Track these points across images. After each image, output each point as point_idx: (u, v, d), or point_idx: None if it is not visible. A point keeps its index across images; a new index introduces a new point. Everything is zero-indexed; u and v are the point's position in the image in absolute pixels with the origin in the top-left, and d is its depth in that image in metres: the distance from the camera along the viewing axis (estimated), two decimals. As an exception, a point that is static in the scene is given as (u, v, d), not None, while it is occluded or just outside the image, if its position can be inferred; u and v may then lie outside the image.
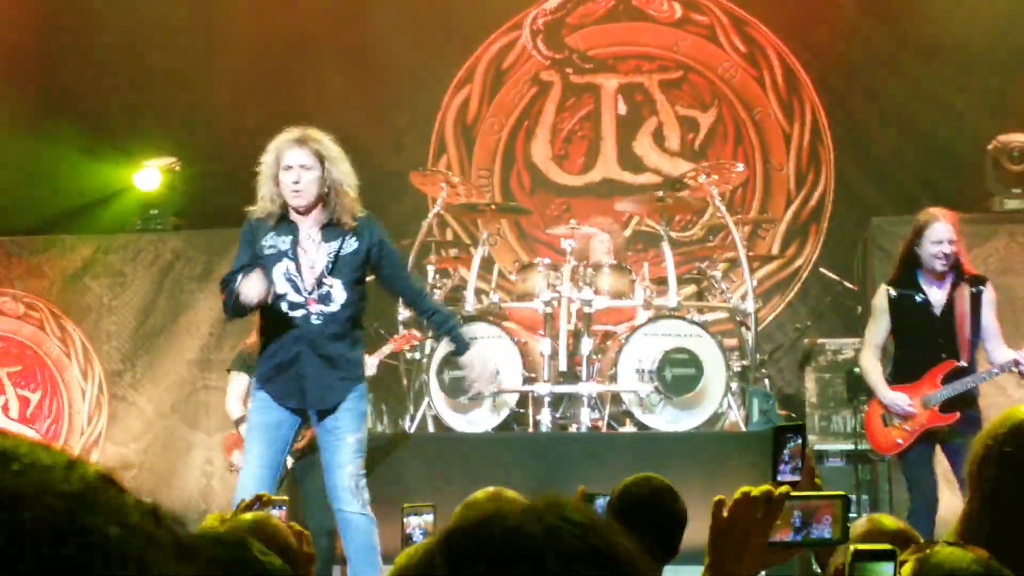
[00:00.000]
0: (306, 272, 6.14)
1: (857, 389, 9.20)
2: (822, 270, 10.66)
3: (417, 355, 9.22)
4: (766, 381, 9.49)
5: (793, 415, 9.39)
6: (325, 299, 6.15)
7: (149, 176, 10.20)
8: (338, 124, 11.48)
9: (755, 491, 2.42)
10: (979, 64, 10.84)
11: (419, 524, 3.79)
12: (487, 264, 9.60)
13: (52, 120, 11.75)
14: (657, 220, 9.35)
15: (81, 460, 0.96)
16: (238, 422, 8.09)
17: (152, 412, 9.82)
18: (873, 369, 7.32)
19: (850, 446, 9.20)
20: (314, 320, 6.14)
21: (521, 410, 8.71)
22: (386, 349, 8.48)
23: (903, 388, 7.17)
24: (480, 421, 8.65)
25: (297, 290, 6.14)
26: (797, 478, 2.64)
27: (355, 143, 11.54)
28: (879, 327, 7.32)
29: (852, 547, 2.54)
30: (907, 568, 2.51)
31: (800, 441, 2.68)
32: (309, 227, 6.18)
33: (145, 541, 0.92)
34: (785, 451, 2.69)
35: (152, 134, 11.02)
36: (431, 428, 8.86)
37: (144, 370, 9.88)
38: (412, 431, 8.89)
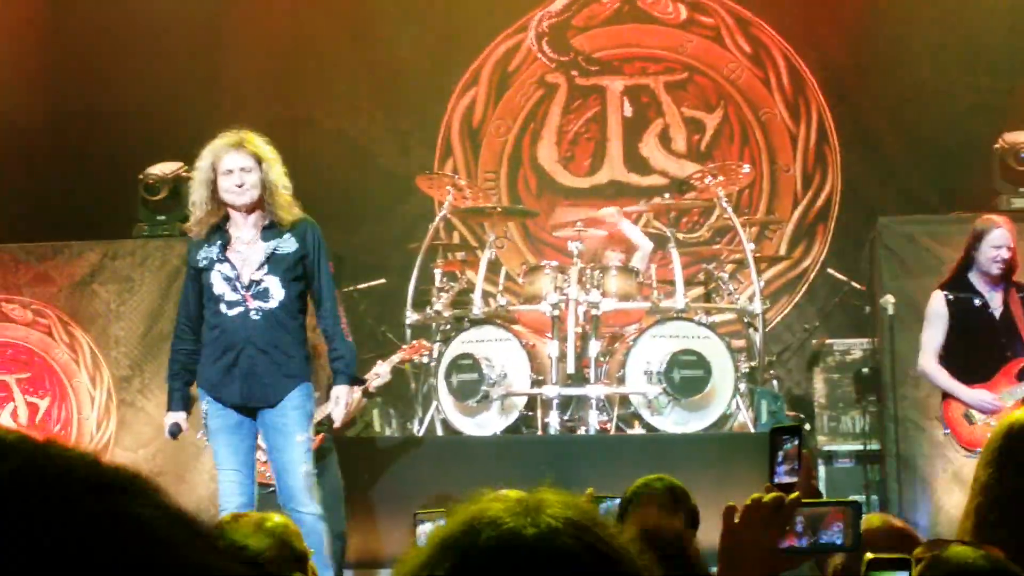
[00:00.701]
0: (241, 269, 6.18)
1: (866, 390, 9.20)
2: (829, 270, 10.65)
3: (425, 359, 9.21)
4: (774, 382, 9.48)
5: (802, 416, 9.39)
6: (262, 296, 6.19)
7: (156, 182, 10.19)
8: (344, 127, 11.60)
9: (766, 497, 2.41)
10: (986, 63, 10.84)
11: (433, 529, 3.79)
12: (494, 267, 9.60)
13: (60, 126, 11.77)
14: (664, 222, 9.34)
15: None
16: None
17: (161, 418, 9.79)
18: (940, 372, 7.46)
19: (859, 446, 9.20)
20: (253, 316, 6.19)
21: (529, 413, 8.71)
22: (396, 357, 8.46)
23: (977, 387, 7.33)
24: (489, 424, 8.65)
25: (234, 288, 6.17)
26: (795, 479, 2.64)
27: (361, 146, 11.63)
28: (937, 332, 7.46)
29: (867, 555, 2.54)
30: (920, 566, 2.51)
31: (797, 442, 2.67)
32: (246, 229, 6.22)
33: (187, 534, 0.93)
34: (782, 452, 2.69)
35: (158, 139, 11.01)
36: (439, 431, 8.85)
37: (152, 376, 9.86)
38: (421, 434, 8.89)
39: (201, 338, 6.35)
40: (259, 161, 6.19)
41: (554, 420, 8.54)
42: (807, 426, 9.34)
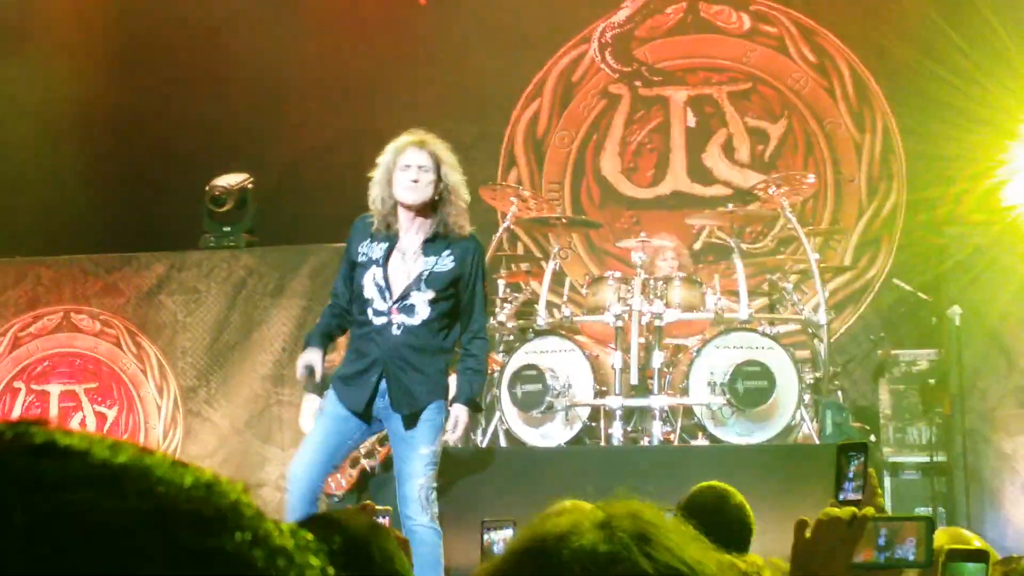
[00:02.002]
0: (395, 281, 6.19)
1: (932, 401, 9.13)
2: (895, 281, 10.58)
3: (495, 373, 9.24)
4: (839, 393, 9.42)
5: (867, 427, 9.32)
6: (408, 311, 6.18)
7: (222, 193, 10.28)
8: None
9: (840, 512, 2.41)
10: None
11: (499, 539, 3.80)
12: (558, 278, 9.61)
13: (126, 138, 11.89)
14: (728, 232, 9.32)
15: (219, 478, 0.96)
16: None
17: (227, 427, 9.90)
18: None
19: (926, 458, 9.12)
20: (395, 331, 6.18)
21: (593, 423, 8.71)
22: None
23: None
24: (552, 435, 8.66)
25: (383, 297, 6.18)
26: (860, 496, 2.63)
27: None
28: None
29: (946, 547, 2.53)
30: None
31: (863, 459, 2.67)
32: (412, 237, 6.22)
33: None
34: (849, 470, 2.69)
35: (225, 151, 11.11)
36: (503, 442, 8.87)
37: (218, 386, 9.95)
38: (484, 445, 8.91)
39: (349, 318, 6.40)
40: (438, 164, 6.21)
41: (617, 431, 8.54)
42: (872, 437, 9.28)
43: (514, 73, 11.83)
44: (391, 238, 6.23)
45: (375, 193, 6.27)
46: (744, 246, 9.68)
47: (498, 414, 8.85)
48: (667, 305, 8.75)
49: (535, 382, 8.55)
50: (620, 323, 8.71)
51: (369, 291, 6.21)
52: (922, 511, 8.82)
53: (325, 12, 11.93)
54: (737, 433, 8.42)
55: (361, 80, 11.63)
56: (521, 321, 9.28)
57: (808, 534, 2.41)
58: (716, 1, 11.56)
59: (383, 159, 6.27)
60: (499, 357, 9.05)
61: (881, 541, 2.43)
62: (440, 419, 6.25)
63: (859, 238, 11.17)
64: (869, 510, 2.40)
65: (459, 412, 6.29)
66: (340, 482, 8.10)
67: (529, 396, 8.57)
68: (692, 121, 11.55)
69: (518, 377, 8.61)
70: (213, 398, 9.94)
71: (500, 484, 8.30)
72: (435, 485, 6.23)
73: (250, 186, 10.36)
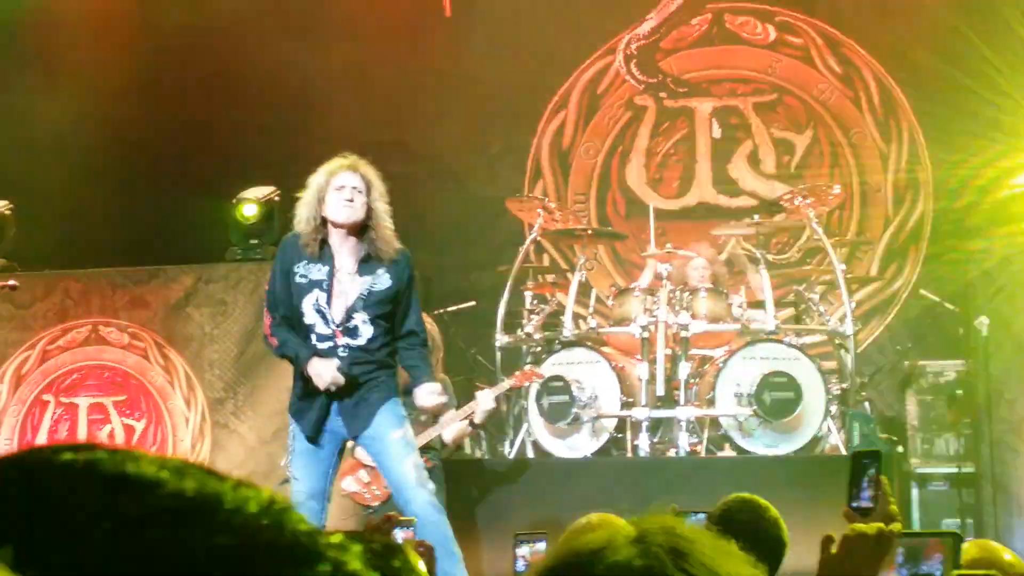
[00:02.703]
0: (336, 304, 6.24)
1: (960, 412, 9.10)
2: (922, 291, 10.55)
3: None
4: (866, 404, 9.40)
5: (894, 438, 9.30)
6: (352, 333, 6.25)
7: (248, 206, 10.32)
8: (433, 151, 11.68)
9: (868, 528, 2.40)
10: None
11: (531, 552, 3.80)
12: (584, 289, 9.61)
13: (153, 152, 11.94)
14: (754, 243, 9.32)
15: (285, 506, 0.96)
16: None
17: (254, 439, 9.93)
18: None
19: (953, 469, 9.10)
20: (340, 353, 6.24)
21: (619, 435, 8.71)
22: (506, 384, 8.49)
23: None
24: (579, 446, 8.67)
25: (326, 322, 6.23)
26: (873, 504, 2.63)
27: (450, 170, 11.71)
28: None
29: (953, 572, 2.53)
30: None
31: (877, 467, 2.67)
32: (346, 259, 6.28)
33: None
34: (865, 478, 2.69)
35: (251, 164, 11.16)
36: (530, 453, 8.88)
37: (245, 398, 9.98)
38: (511, 456, 8.91)
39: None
40: (368, 187, 6.30)
41: (644, 442, 8.54)
42: (899, 448, 9.26)
43: (540, 85, 11.85)
44: (328, 260, 6.28)
45: (303, 214, 6.34)
46: (770, 257, 9.67)
47: (525, 426, 8.86)
48: (693, 316, 8.75)
49: (562, 393, 8.56)
50: (646, 334, 8.71)
51: (310, 316, 6.26)
52: (949, 523, 8.80)
53: (350, 25, 11.96)
54: (764, 444, 8.41)
55: (387, 93, 11.66)
56: (547, 333, 9.29)
57: (834, 550, 2.41)
58: (741, 12, 11.57)
59: (315, 180, 6.37)
60: (526, 368, 9.06)
61: (908, 558, 2.42)
62: (398, 408, 6.30)
63: (885, 248, 11.14)
64: (896, 526, 2.40)
65: (434, 387, 6.37)
66: (376, 492, 8.08)
67: (556, 408, 8.58)
68: (717, 132, 11.55)
69: (545, 389, 8.62)
70: (240, 410, 9.97)
71: (527, 496, 8.31)
72: (422, 465, 6.29)
73: (277, 198, 10.40)
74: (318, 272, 6.28)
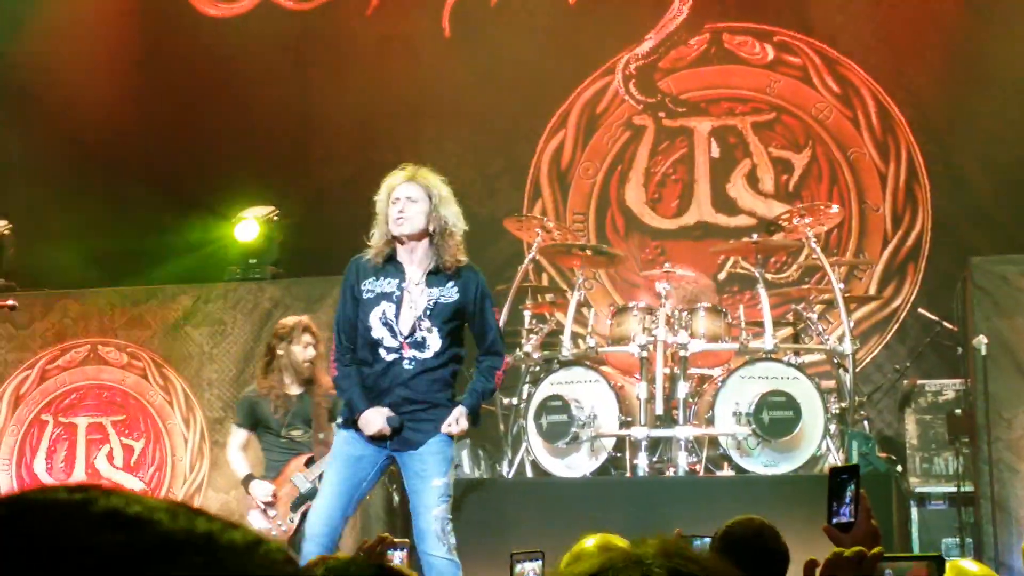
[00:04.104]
0: (404, 317, 6.18)
1: (958, 431, 9.10)
2: (921, 311, 10.56)
3: (514, 400, 9.24)
4: (865, 423, 9.40)
5: (893, 457, 9.30)
6: (419, 346, 6.18)
7: (247, 226, 10.33)
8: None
9: (847, 552, 2.40)
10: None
11: (528, 570, 3.80)
12: (583, 308, 9.61)
13: (152, 172, 11.96)
14: (752, 262, 9.32)
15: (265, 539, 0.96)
16: (246, 481, 8.02)
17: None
18: None
19: (952, 489, 9.09)
20: (406, 365, 6.18)
21: (618, 454, 8.71)
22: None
23: None
24: (578, 465, 8.66)
25: (393, 334, 6.18)
26: (853, 519, 2.63)
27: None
28: None
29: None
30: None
31: (856, 482, 2.67)
32: (414, 270, 6.23)
33: None
34: (844, 493, 2.69)
35: (250, 184, 11.17)
36: (529, 473, 8.87)
37: (244, 417, 9.97)
38: (510, 476, 8.91)
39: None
40: (429, 196, 6.22)
41: (643, 462, 8.54)
42: (899, 468, 9.25)
43: (539, 104, 11.87)
44: (397, 273, 6.24)
45: (377, 230, 6.30)
46: (769, 276, 9.69)
47: (524, 445, 8.85)
48: (692, 335, 8.76)
49: (560, 413, 8.56)
50: (645, 353, 8.71)
51: (378, 331, 6.19)
52: (949, 542, 8.79)
53: (350, 46, 12.00)
54: (763, 464, 8.40)
55: (386, 113, 11.68)
56: (546, 352, 9.29)
57: (818, 574, 2.41)
58: (739, 32, 11.60)
59: (379, 197, 6.31)
60: (525, 388, 9.07)
61: None
62: (450, 451, 6.25)
63: (884, 267, 11.15)
64: (878, 550, 2.40)
65: (460, 413, 6.25)
66: (281, 528, 7.94)
67: (555, 427, 8.58)
68: (716, 151, 11.57)
69: (544, 408, 8.62)
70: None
71: (526, 515, 8.30)
72: (450, 517, 6.22)
73: (276, 218, 10.41)
74: (387, 285, 6.21)
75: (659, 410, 8.63)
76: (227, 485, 9.98)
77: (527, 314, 9.55)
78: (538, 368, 9.20)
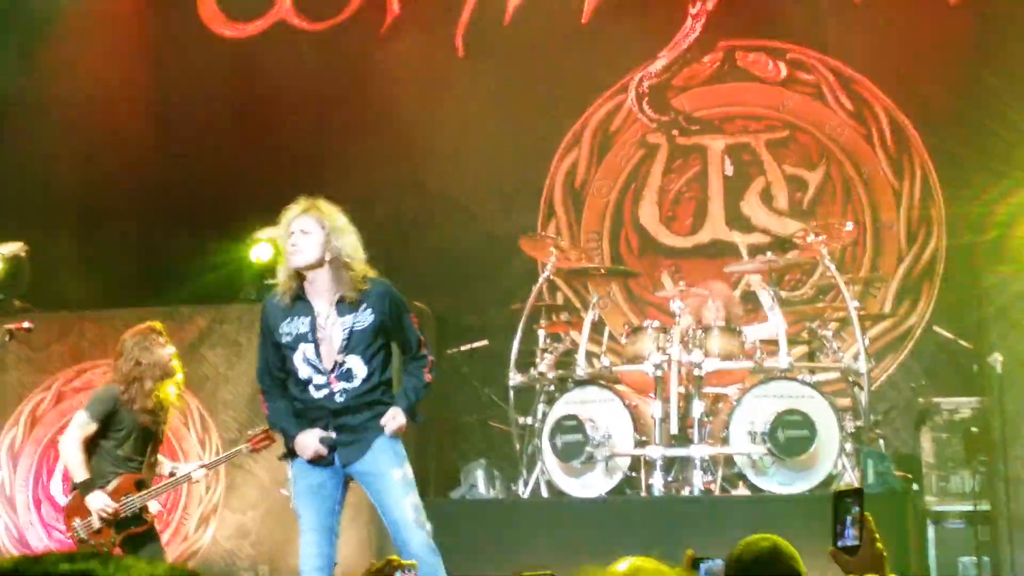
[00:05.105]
0: (324, 352, 6.20)
1: (975, 449, 9.07)
2: (936, 328, 10.54)
3: (529, 420, 9.24)
4: (881, 442, 9.38)
5: (910, 476, 9.28)
6: (346, 376, 6.21)
7: (262, 248, 10.36)
8: (448, 190, 11.71)
9: None
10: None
11: None
12: (598, 327, 9.61)
13: (168, 193, 12.00)
14: (766, 280, 9.32)
15: None
16: (85, 486, 7.62)
17: (268, 480, 9.92)
18: None
19: (969, 507, 9.06)
20: (338, 398, 6.22)
21: (633, 474, 8.71)
22: (228, 454, 8.57)
23: None
24: (593, 485, 8.66)
25: (319, 371, 6.21)
26: (859, 543, 2.63)
27: (465, 208, 11.74)
28: None
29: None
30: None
31: (860, 505, 2.67)
32: (322, 303, 6.24)
33: None
34: (848, 516, 2.69)
35: (265, 205, 11.18)
36: (544, 492, 8.87)
37: (260, 438, 9.98)
38: (526, 496, 8.91)
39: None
40: (323, 227, 6.25)
41: (658, 481, 8.54)
42: (915, 486, 9.23)
43: (552, 123, 11.88)
44: (308, 311, 6.24)
45: (281, 266, 6.33)
46: (783, 294, 9.67)
47: (539, 465, 8.85)
48: (706, 354, 8.76)
49: (575, 432, 8.56)
50: (659, 372, 8.71)
51: (304, 371, 6.23)
52: (966, 561, 8.76)
53: (363, 66, 12.03)
54: (778, 482, 8.39)
55: (401, 132, 11.70)
56: (561, 371, 9.29)
57: None
58: (752, 50, 11.60)
59: (277, 231, 6.36)
60: (540, 408, 9.08)
61: None
62: (398, 446, 6.29)
63: (899, 285, 11.13)
64: None
65: (395, 411, 6.27)
66: (104, 550, 7.77)
67: (569, 446, 8.58)
68: (730, 169, 11.57)
69: (558, 427, 8.62)
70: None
71: (541, 535, 8.30)
72: (420, 506, 6.26)
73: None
74: (301, 326, 6.23)
75: (674, 429, 8.63)
76: (243, 506, 10.00)
77: (541, 333, 9.55)
78: (553, 388, 9.21)
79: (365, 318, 6.22)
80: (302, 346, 6.22)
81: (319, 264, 6.21)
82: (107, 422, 7.71)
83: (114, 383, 7.79)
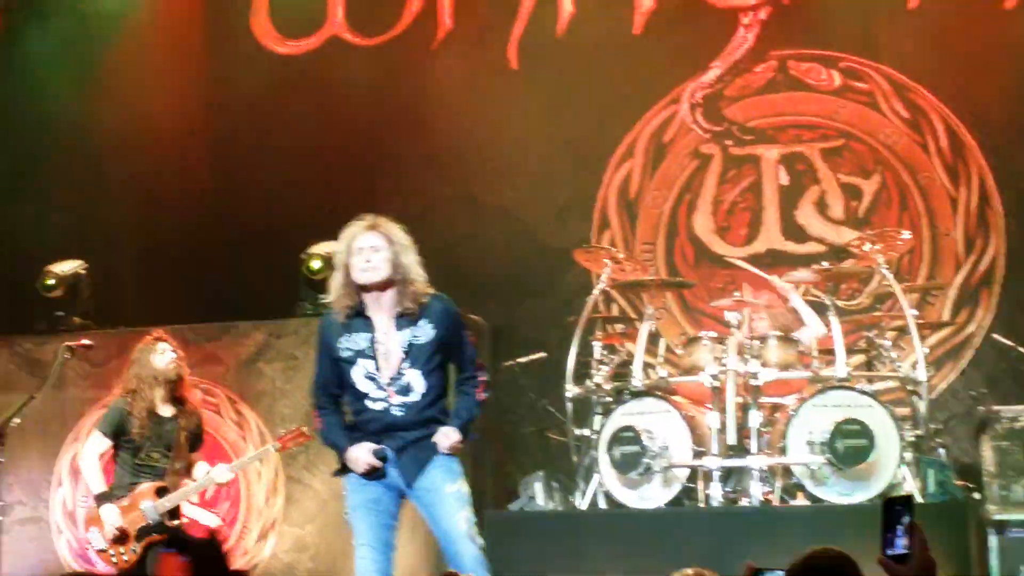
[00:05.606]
0: (383, 367, 6.22)
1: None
2: (995, 336, 10.46)
3: (586, 431, 9.23)
4: (941, 451, 9.30)
5: (971, 485, 9.20)
6: (405, 391, 6.22)
7: (317, 261, 10.41)
8: (502, 202, 11.74)
9: None
10: None
11: None
12: (653, 338, 9.59)
13: (223, 209, 12.08)
14: (823, 290, 9.28)
15: None
16: (100, 499, 7.91)
17: (327, 493, 9.96)
18: None
19: (1031, 515, 8.97)
20: (395, 412, 6.22)
21: (691, 485, 8.68)
22: (255, 454, 8.81)
23: None
24: (651, 496, 8.63)
25: (378, 386, 6.22)
26: (909, 551, 2.61)
27: (519, 222, 11.75)
28: None
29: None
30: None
31: (910, 513, 2.65)
32: (383, 318, 6.26)
33: None
34: (898, 525, 2.67)
35: (319, 219, 11.25)
36: (602, 504, 8.85)
37: (318, 452, 10.00)
38: (583, 507, 8.90)
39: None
40: (390, 243, 6.30)
41: (716, 492, 8.50)
42: (976, 495, 9.15)
43: (605, 135, 11.88)
44: (367, 326, 6.27)
45: (334, 284, 6.35)
46: (840, 303, 9.62)
47: (597, 476, 8.83)
48: (763, 364, 8.72)
49: (632, 443, 8.54)
50: (716, 383, 8.69)
51: (363, 385, 6.24)
52: (1029, 570, 8.68)
53: (416, 80, 12.07)
54: (838, 492, 8.33)
55: (454, 146, 11.74)
56: (617, 383, 9.28)
57: None
58: (806, 59, 11.57)
59: (337, 247, 6.38)
60: (597, 419, 9.07)
61: None
62: (454, 464, 6.29)
63: (957, 293, 11.05)
64: None
65: (449, 430, 6.29)
66: (123, 558, 7.89)
67: (627, 458, 8.56)
68: (784, 179, 11.53)
69: (615, 439, 8.61)
70: (313, 464, 10.02)
71: (600, 546, 8.29)
72: (474, 519, 6.26)
73: (345, 253, 10.45)
74: (361, 341, 6.27)
75: (731, 440, 8.59)
76: (302, 520, 10.04)
77: (597, 345, 9.54)
78: (609, 399, 9.19)
79: (425, 332, 6.25)
80: (361, 360, 6.25)
81: (387, 281, 6.25)
82: (119, 434, 7.97)
83: (119, 396, 8.10)
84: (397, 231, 6.38)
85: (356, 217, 6.45)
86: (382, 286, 6.26)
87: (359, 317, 6.29)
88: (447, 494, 6.23)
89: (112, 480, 8.01)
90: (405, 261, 6.29)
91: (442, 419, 6.33)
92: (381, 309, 6.28)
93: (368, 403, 6.26)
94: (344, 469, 6.37)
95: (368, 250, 6.27)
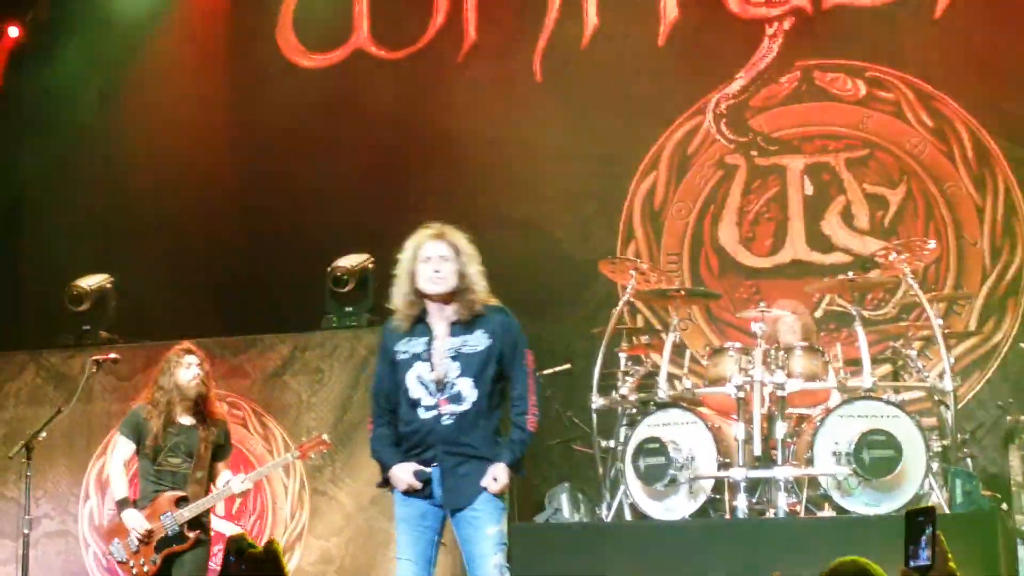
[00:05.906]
0: (437, 372, 6.17)
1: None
2: (1022, 345, 10.41)
3: (612, 443, 9.23)
4: (968, 461, 9.27)
5: (998, 495, 9.17)
6: (456, 399, 6.14)
7: (343, 276, 10.43)
8: (526, 214, 11.74)
9: None
10: None
11: None
12: (679, 349, 9.58)
13: (248, 223, 12.13)
14: (849, 300, 9.25)
15: None
16: (121, 504, 7.86)
17: (352, 506, 9.98)
18: None
19: (1059, 526, 8.94)
20: (445, 421, 6.12)
21: (717, 496, 8.65)
22: (276, 463, 8.80)
23: None
24: (677, 508, 8.61)
25: (430, 392, 6.18)
26: (931, 563, 2.61)
27: (544, 233, 11.76)
28: None
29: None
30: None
31: (932, 525, 2.65)
32: (442, 326, 6.23)
33: None
34: (922, 537, 2.67)
35: (345, 232, 11.28)
36: (628, 515, 8.84)
37: (343, 465, 10.05)
38: (609, 519, 8.89)
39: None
40: (457, 253, 6.28)
41: (742, 503, 8.48)
42: (1004, 506, 9.11)
43: (630, 146, 11.89)
44: (426, 332, 6.24)
45: (397, 291, 6.30)
46: (866, 313, 9.60)
47: (622, 488, 8.83)
48: (789, 375, 8.70)
49: (658, 455, 8.52)
50: (742, 394, 8.66)
51: (415, 390, 6.18)
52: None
53: (442, 90, 12.10)
54: (864, 503, 8.30)
55: (479, 159, 11.75)
56: (642, 394, 9.27)
57: None
58: (830, 69, 11.55)
59: (403, 255, 6.32)
60: (622, 431, 9.06)
61: None
62: (500, 501, 6.21)
63: (984, 302, 11.02)
64: None
65: (498, 469, 6.17)
66: (143, 567, 7.86)
67: (652, 469, 8.55)
68: (809, 189, 11.51)
69: (641, 450, 8.59)
70: (338, 477, 10.04)
71: (626, 558, 8.27)
72: (507, 564, 6.20)
73: (371, 266, 10.49)
74: (418, 345, 6.23)
75: (757, 451, 8.57)
76: (328, 532, 10.06)
77: (622, 356, 9.54)
78: (635, 410, 9.19)
79: (478, 341, 6.19)
80: (417, 364, 6.20)
81: (454, 290, 6.23)
82: (139, 441, 7.93)
83: (142, 403, 8.07)
84: (463, 241, 6.33)
85: (422, 225, 6.41)
86: (447, 297, 6.24)
87: (420, 323, 6.28)
88: (487, 536, 6.14)
89: (137, 494, 8.00)
90: (471, 272, 6.25)
91: (492, 445, 6.22)
92: (442, 317, 6.26)
93: (420, 412, 6.19)
94: (388, 482, 6.34)
95: (436, 259, 6.22)
